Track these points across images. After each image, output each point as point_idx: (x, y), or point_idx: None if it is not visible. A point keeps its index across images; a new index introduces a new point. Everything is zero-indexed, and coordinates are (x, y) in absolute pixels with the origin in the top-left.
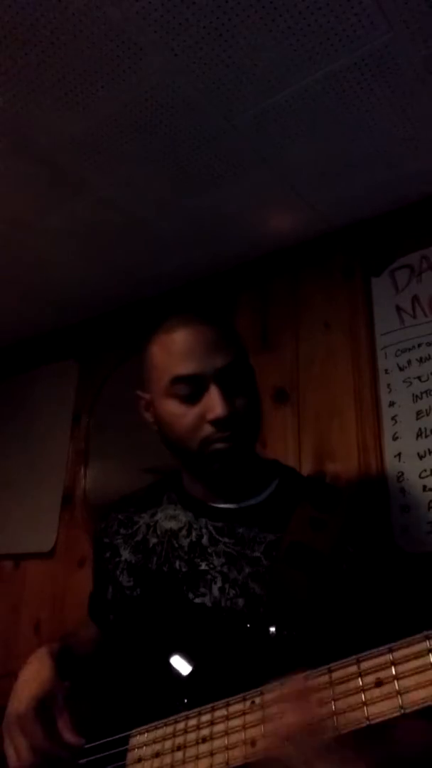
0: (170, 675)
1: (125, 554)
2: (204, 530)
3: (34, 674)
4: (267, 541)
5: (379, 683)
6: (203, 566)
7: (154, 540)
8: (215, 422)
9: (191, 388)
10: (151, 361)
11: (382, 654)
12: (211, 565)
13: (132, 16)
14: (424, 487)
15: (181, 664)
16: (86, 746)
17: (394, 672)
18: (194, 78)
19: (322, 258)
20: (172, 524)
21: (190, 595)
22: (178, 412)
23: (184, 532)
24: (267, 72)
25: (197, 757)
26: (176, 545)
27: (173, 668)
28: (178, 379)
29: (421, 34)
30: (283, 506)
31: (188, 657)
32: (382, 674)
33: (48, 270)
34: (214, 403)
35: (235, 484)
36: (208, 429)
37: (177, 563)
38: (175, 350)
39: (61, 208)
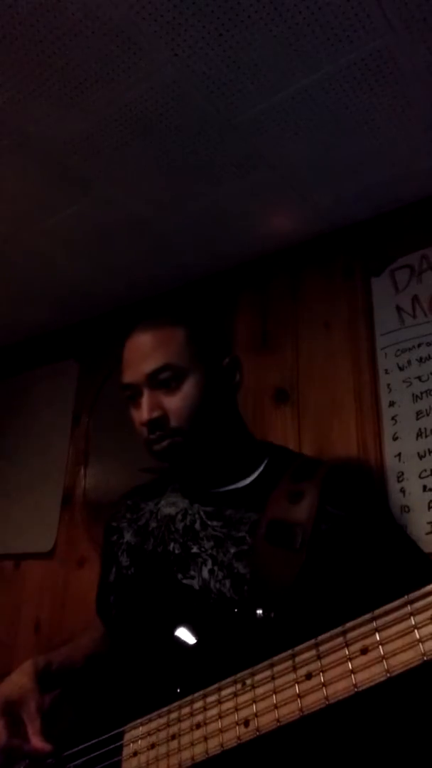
0: (162, 664)
1: (127, 536)
2: (197, 515)
3: (11, 681)
4: (252, 521)
5: (364, 650)
6: (194, 549)
7: (154, 524)
8: (144, 425)
9: (133, 394)
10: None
11: (366, 622)
12: (202, 548)
13: (132, 16)
14: (424, 487)
15: (172, 653)
16: (81, 747)
17: (378, 638)
18: (194, 78)
19: (322, 258)
20: (170, 510)
21: (179, 576)
22: (132, 415)
23: (179, 516)
24: (267, 72)
25: (192, 744)
26: (173, 529)
27: (165, 657)
28: (122, 387)
29: (422, 34)
30: (269, 485)
31: (179, 645)
32: (367, 642)
33: (48, 270)
34: (141, 408)
35: (204, 473)
36: (144, 432)
37: (171, 545)
38: (124, 359)
39: (61, 208)
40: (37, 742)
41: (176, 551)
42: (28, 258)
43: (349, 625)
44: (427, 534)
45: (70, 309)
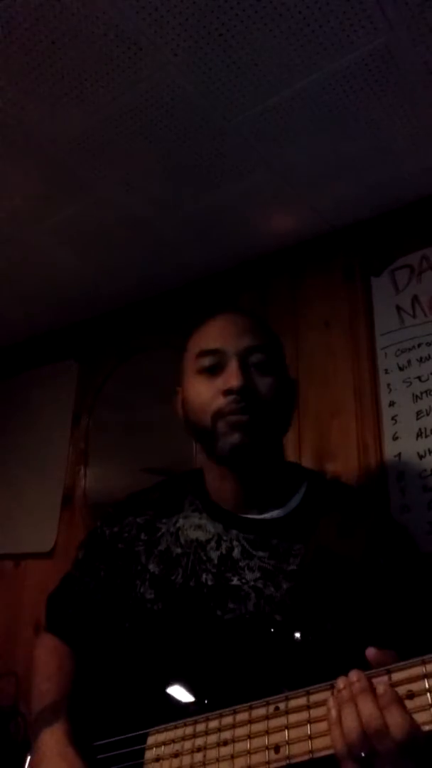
0: (189, 678)
1: (151, 566)
2: (235, 542)
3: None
4: (302, 553)
5: (410, 695)
6: (235, 581)
7: (177, 550)
8: (228, 392)
9: (213, 361)
10: (186, 351)
11: (414, 665)
12: (244, 580)
13: (132, 16)
14: (424, 487)
15: (201, 669)
16: (103, 742)
17: (426, 685)
18: (194, 78)
19: (322, 258)
20: (198, 534)
21: (219, 612)
22: (200, 389)
23: (213, 544)
24: (267, 72)
25: (218, 760)
26: (204, 558)
27: (192, 674)
28: (202, 353)
29: (422, 34)
30: (314, 514)
31: (210, 662)
32: (413, 686)
33: (48, 270)
34: (230, 374)
35: (258, 471)
36: (221, 400)
37: (204, 577)
38: (207, 332)
39: (61, 208)
40: None
41: (209, 583)
42: (28, 258)
43: (395, 665)
44: (428, 534)
45: (70, 309)
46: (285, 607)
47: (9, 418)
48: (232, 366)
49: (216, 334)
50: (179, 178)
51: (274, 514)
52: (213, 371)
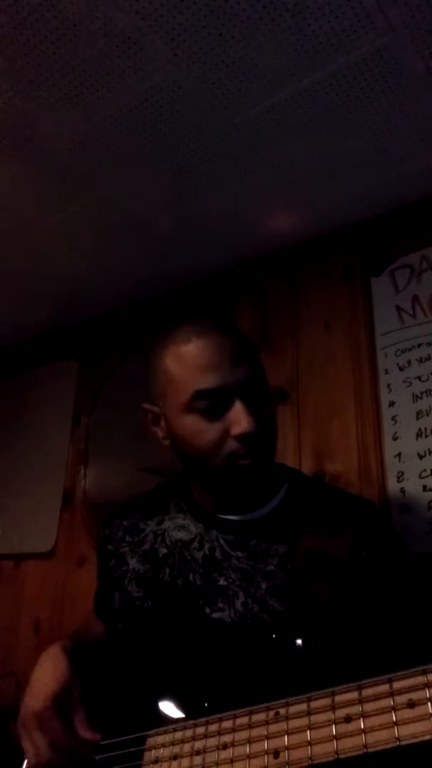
0: (189, 682)
1: (132, 563)
2: (216, 543)
3: (50, 671)
4: (280, 553)
5: (411, 704)
6: (222, 581)
7: (163, 550)
8: (241, 437)
9: (214, 402)
10: (165, 375)
11: (415, 675)
12: (230, 580)
13: (132, 16)
14: (424, 487)
15: (193, 668)
16: (102, 743)
17: (428, 695)
18: (194, 78)
19: (322, 258)
20: (182, 534)
21: (207, 610)
22: (199, 428)
23: (195, 544)
24: (267, 72)
25: (217, 764)
26: (188, 557)
27: (192, 675)
28: (200, 394)
29: (421, 33)
30: (294, 514)
31: (210, 665)
32: (414, 696)
33: (48, 270)
34: (239, 417)
35: (250, 499)
36: (233, 445)
37: (191, 576)
38: (195, 362)
39: (61, 208)
40: (85, 732)
41: (198, 582)
42: (28, 258)
43: (396, 674)
44: (428, 534)
45: (70, 309)
46: (269, 607)
47: (9, 418)
48: (239, 407)
49: (208, 366)
50: (179, 178)
51: (254, 514)
52: (213, 413)
